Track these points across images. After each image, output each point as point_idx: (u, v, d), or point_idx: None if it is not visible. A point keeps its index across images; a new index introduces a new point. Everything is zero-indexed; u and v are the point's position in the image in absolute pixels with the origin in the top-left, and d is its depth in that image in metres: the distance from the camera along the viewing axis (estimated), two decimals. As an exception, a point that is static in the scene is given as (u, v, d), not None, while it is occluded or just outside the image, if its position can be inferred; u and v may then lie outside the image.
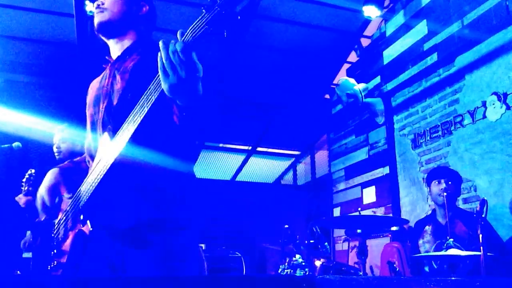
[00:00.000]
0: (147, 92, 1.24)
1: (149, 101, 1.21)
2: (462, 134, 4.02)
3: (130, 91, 1.42)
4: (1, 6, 4.75)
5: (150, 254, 1.33)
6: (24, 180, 3.19)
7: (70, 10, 4.48)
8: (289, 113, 6.56)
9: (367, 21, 5.56)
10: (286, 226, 3.57)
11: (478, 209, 2.21)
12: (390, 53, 5.19)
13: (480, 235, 2.10)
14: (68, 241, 1.39)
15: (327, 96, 6.70)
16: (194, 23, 1.09)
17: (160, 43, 1.12)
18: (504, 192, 3.53)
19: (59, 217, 1.53)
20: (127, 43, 1.55)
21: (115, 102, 1.46)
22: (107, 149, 1.34)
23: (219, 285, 0.91)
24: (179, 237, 1.37)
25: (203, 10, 1.06)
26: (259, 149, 7.31)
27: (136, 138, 1.28)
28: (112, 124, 1.42)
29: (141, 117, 1.23)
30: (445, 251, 2.36)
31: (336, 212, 5.91)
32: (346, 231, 4.81)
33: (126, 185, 1.39)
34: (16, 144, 3.28)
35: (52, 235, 1.52)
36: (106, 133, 1.41)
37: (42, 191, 1.61)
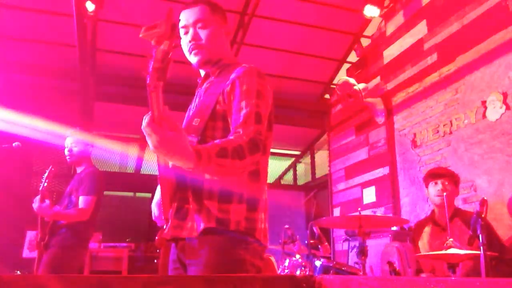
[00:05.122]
0: None
1: None
2: (462, 134, 4.02)
3: (196, 115, 1.46)
4: (2, 6, 4.75)
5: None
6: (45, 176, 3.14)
7: (70, 10, 4.48)
8: (289, 113, 6.56)
9: (367, 21, 5.57)
10: (286, 226, 3.56)
11: (478, 209, 2.20)
12: (390, 53, 5.19)
13: (480, 235, 2.10)
14: None
15: (327, 96, 6.70)
16: None
17: None
18: (504, 192, 3.53)
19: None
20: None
21: (183, 125, 1.51)
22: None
23: (218, 285, 0.91)
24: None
25: None
26: (259, 149, 7.30)
27: None
28: None
29: None
30: (445, 251, 2.36)
31: (336, 212, 5.91)
32: (346, 231, 4.81)
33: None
34: (16, 144, 3.28)
35: None
36: None
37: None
